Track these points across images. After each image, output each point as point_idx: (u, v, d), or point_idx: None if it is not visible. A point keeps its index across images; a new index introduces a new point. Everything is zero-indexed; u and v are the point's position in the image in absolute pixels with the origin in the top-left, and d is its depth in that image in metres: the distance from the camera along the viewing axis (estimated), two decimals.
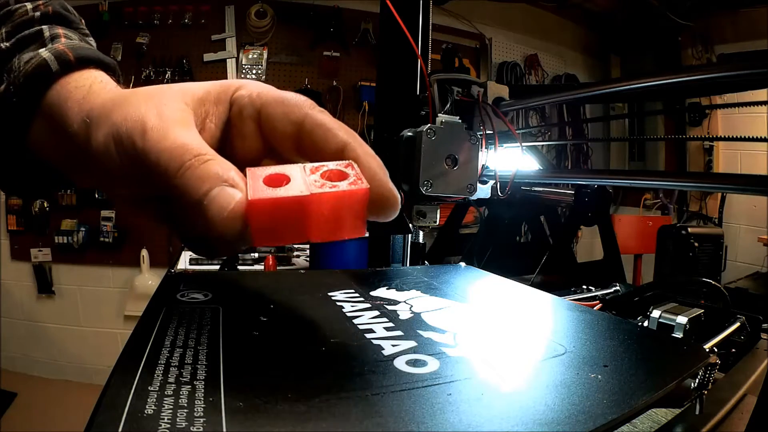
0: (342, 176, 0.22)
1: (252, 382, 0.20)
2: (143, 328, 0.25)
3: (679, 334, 0.43)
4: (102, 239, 2.24)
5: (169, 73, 2.23)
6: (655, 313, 0.45)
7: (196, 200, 0.21)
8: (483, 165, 0.55)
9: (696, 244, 1.05)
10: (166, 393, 0.19)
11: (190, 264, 1.36)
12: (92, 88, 0.26)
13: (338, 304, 0.32)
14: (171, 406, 0.18)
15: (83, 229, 2.23)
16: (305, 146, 0.26)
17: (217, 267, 1.30)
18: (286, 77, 2.39)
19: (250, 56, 2.34)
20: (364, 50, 2.46)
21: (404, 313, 0.31)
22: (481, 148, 0.53)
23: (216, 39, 2.32)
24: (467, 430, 0.18)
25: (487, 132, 0.54)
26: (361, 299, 0.33)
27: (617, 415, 0.20)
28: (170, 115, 0.24)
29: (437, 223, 0.55)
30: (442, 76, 0.56)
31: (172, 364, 0.21)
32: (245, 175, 0.22)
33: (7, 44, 0.28)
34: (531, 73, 2.92)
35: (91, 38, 0.34)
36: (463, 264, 0.50)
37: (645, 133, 3.02)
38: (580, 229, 2.15)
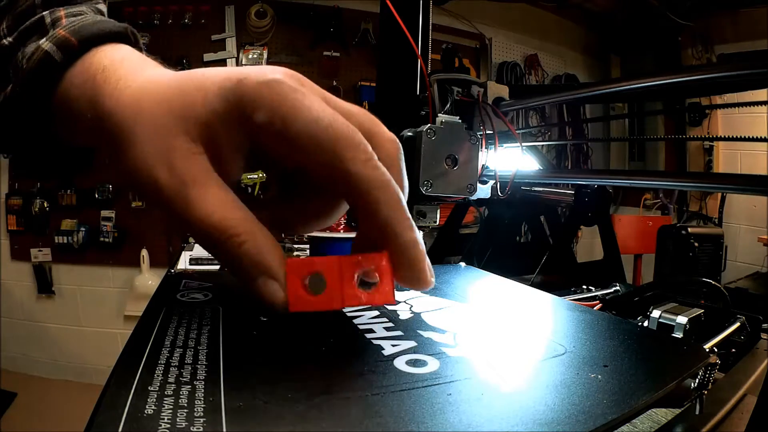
0: (373, 274, 0.23)
1: (252, 382, 0.20)
2: (143, 328, 0.25)
3: (679, 334, 0.43)
4: (102, 239, 2.24)
5: None
6: (655, 313, 0.45)
7: (241, 278, 0.22)
8: (483, 165, 0.55)
9: (696, 244, 1.05)
10: (166, 393, 0.19)
11: (190, 264, 1.36)
12: (96, 81, 0.24)
13: None
14: (171, 406, 0.18)
15: (83, 229, 2.23)
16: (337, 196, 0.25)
17: (218, 267, 1.30)
18: None
19: (250, 56, 2.34)
20: (364, 50, 2.46)
21: (404, 313, 0.31)
22: (481, 148, 0.53)
23: (216, 39, 2.32)
24: (467, 430, 0.18)
25: (487, 132, 0.54)
26: None
27: (617, 415, 0.20)
28: (182, 170, 0.21)
29: (437, 223, 0.55)
30: (442, 76, 0.56)
31: (172, 364, 0.21)
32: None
33: (10, 39, 0.27)
34: (531, 73, 2.92)
35: (103, 5, 0.32)
36: (463, 264, 0.50)
37: (645, 133, 3.02)
38: (580, 229, 2.15)
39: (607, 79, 3.07)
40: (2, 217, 2.19)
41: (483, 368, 0.24)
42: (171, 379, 0.20)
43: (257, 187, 2.22)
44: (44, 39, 0.25)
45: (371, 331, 0.28)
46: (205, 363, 0.22)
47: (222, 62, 2.32)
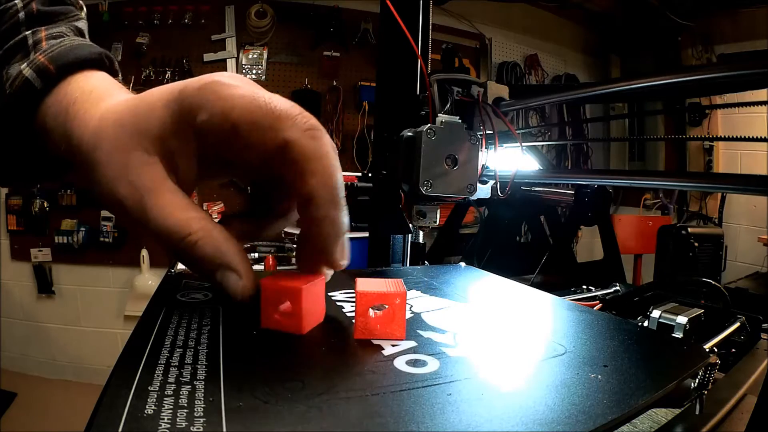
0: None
1: (252, 382, 0.20)
2: (143, 328, 0.25)
3: (679, 334, 0.43)
4: (102, 239, 2.24)
5: (169, 73, 2.23)
6: (655, 313, 0.45)
7: (202, 274, 0.25)
8: (483, 165, 0.55)
9: (696, 244, 1.05)
10: (166, 393, 0.19)
11: None
12: (68, 112, 0.26)
13: (338, 304, 0.32)
14: (171, 406, 0.18)
15: (83, 229, 2.23)
16: (273, 170, 0.25)
17: None
18: (286, 77, 2.39)
19: (250, 56, 2.34)
20: (364, 50, 2.46)
21: None
22: (481, 148, 0.53)
23: (216, 39, 2.32)
24: (467, 430, 0.18)
25: (487, 132, 0.54)
26: None
27: (617, 415, 0.20)
28: (138, 181, 0.23)
29: (437, 223, 0.55)
30: (442, 76, 0.56)
31: (172, 364, 0.21)
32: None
33: None
34: (531, 73, 2.92)
35: (83, 19, 0.33)
36: (463, 264, 0.50)
37: (645, 133, 3.02)
38: (580, 229, 2.15)
39: (607, 79, 3.07)
40: (2, 217, 2.19)
41: (483, 368, 0.24)
42: (171, 379, 0.20)
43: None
44: (25, 64, 0.27)
45: None
46: (205, 363, 0.22)
47: (222, 62, 2.32)
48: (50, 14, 0.31)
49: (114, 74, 0.30)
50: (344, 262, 0.26)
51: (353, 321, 0.26)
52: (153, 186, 0.24)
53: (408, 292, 0.36)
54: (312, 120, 0.24)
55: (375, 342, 0.26)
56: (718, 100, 2.34)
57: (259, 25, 2.33)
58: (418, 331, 0.28)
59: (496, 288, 0.43)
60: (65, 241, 2.20)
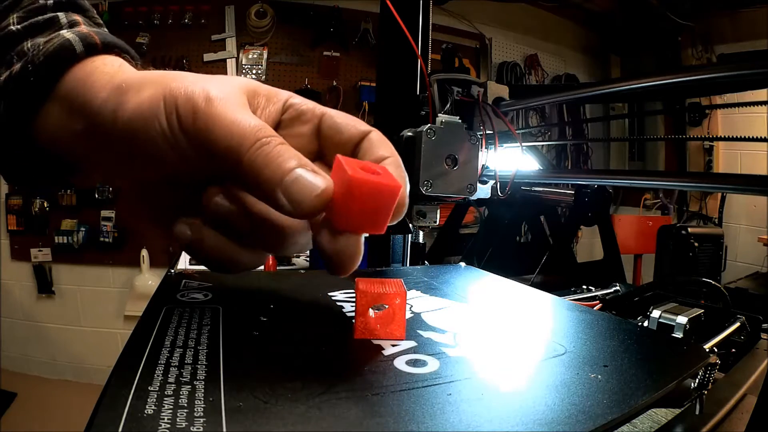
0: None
1: (252, 382, 0.20)
2: (143, 328, 0.25)
3: (679, 334, 0.43)
4: (102, 239, 2.24)
5: None
6: (655, 313, 0.45)
7: (276, 178, 0.21)
8: (483, 165, 0.55)
9: (696, 244, 1.06)
10: (166, 393, 0.19)
11: (190, 264, 1.36)
12: (123, 67, 0.26)
13: (338, 304, 0.32)
14: (171, 406, 0.18)
15: (83, 229, 2.23)
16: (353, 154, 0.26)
17: None
18: (286, 77, 2.39)
19: (250, 56, 2.34)
20: (364, 50, 2.46)
21: None
22: (481, 148, 0.53)
23: (216, 39, 2.32)
24: (467, 430, 0.18)
25: (487, 132, 0.54)
26: None
27: (617, 415, 0.20)
28: (232, 94, 0.23)
29: (437, 223, 0.55)
30: (442, 76, 0.56)
31: (172, 364, 0.21)
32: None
33: (18, 27, 0.27)
34: (531, 73, 2.92)
35: (105, 28, 0.33)
36: (463, 264, 0.50)
37: (645, 133, 3.02)
38: (580, 229, 2.15)
39: (607, 79, 3.07)
40: (2, 217, 2.19)
41: (483, 368, 0.24)
42: (171, 379, 0.20)
43: None
44: (65, 30, 0.26)
45: None
46: (205, 363, 0.22)
47: (222, 62, 2.32)
48: (79, 6, 0.31)
49: None
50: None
51: (353, 321, 0.26)
52: (243, 102, 0.24)
53: (408, 292, 0.36)
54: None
55: (375, 342, 0.26)
56: (718, 100, 2.34)
57: (259, 25, 2.33)
58: (418, 331, 0.28)
59: (496, 288, 0.43)
60: (65, 241, 2.20)
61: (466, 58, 2.77)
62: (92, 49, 0.26)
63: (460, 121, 0.51)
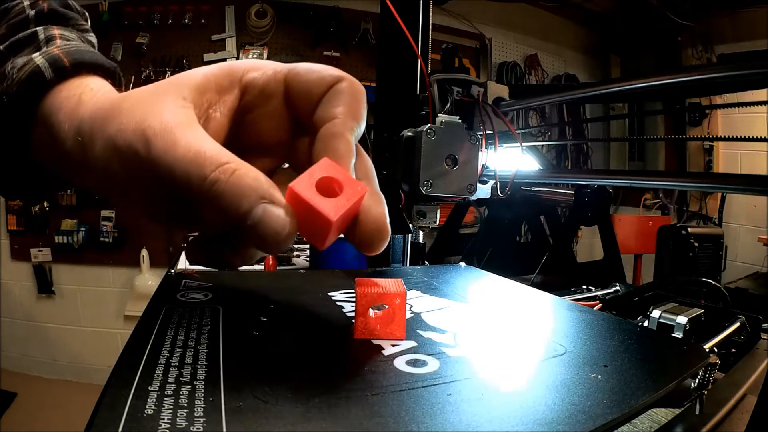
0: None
1: (252, 382, 0.20)
2: (143, 328, 0.25)
3: (679, 334, 0.43)
4: (102, 239, 2.24)
5: (169, 73, 2.23)
6: (655, 313, 0.45)
7: (238, 217, 0.21)
8: (483, 165, 0.55)
9: (696, 244, 1.06)
10: (166, 393, 0.19)
11: (190, 264, 1.36)
12: (82, 98, 0.25)
13: (338, 304, 0.32)
14: (171, 406, 0.18)
15: (83, 229, 2.23)
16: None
17: None
18: None
19: (250, 56, 2.34)
20: (364, 50, 2.46)
21: None
22: (481, 148, 0.53)
23: (216, 39, 2.32)
24: (467, 430, 0.18)
25: (487, 132, 0.54)
26: None
27: (617, 415, 0.20)
28: (170, 117, 0.22)
29: (437, 223, 0.55)
30: (442, 76, 0.56)
31: (172, 364, 0.21)
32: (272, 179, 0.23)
33: (1, 48, 0.27)
34: (531, 73, 2.92)
35: (92, 34, 0.33)
36: (463, 264, 0.50)
37: (645, 133, 3.02)
38: (580, 229, 2.15)
39: (607, 79, 3.07)
40: (2, 217, 2.19)
41: (483, 368, 0.24)
42: (171, 379, 0.20)
43: None
44: (37, 54, 0.26)
45: None
46: (205, 363, 0.22)
47: (222, 62, 2.32)
48: (62, 15, 0.31)
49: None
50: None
51: (353, 321, 0.26)
52: (186, 121, 0.22)
53: (408, 292, 0.36)
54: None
55: (375, 342, 0.26)
56: (718, 100, 2.34)
57: (259, 25, 2.33)
58: (418, 331, 0.28)
59: (496, 288, 0.43)
60: (65, 241, 2.21)
61: (466, 58, 2.77)
62: (61, 73, 0.26)
63: (460, 121, 0.51)
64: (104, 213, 2.25)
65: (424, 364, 0.24)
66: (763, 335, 0.50)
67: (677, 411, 0.30)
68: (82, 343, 2.26)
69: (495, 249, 1.18)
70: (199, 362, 0.22)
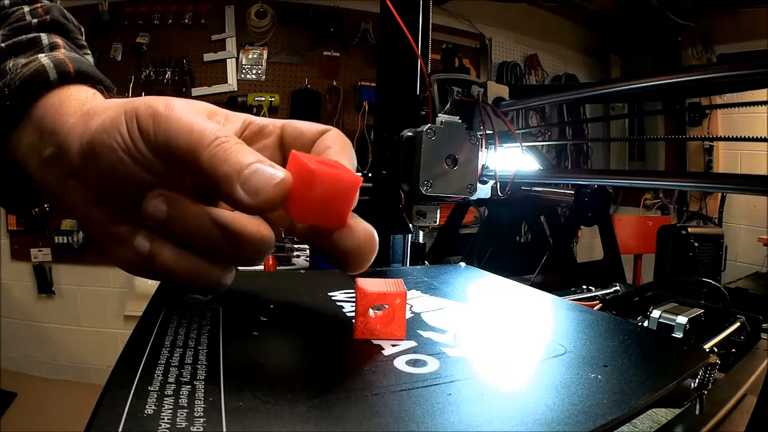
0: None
1: (252, 382, 0.20)
2: (143, 328, 0.25)
3: (679, 334, 0.43)
4: None
5: (169, 73, 2.23)
6: (655, 313, 0.45)
7: (235, 173, 0.21)
8: (483, 165, 0.55)
9: (696, 244, 1.06)
10: (166, 393, 0.19)
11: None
12: (95, 97, 0.26)
13: (338, 304, 0.32)
14: (171, 406, 0.18)
15: None
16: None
17: None
18: (286, 77, 2.39)
19: (250, 56, 2.34)
20: (364, 50, 2.46)
21: None
22: (481, 148, 0.53)
23: (216, 39, 2.32)
24: (467, 430, 0.18)
25: (487, 132, 0.54)
26: None
27: (617, 415, 0.20)
28: (191, 105, 0.24)
29: (437, 223, 0.55)
30: (442, 76, 0.56)
31: (172, 364, 0.21)
32: None
33: (2, 46, 0.28)
34: (531, 73, 2.92)
35: (88, 50, 0.33)
36: (463, 264, 0.50)
37: (645, 133, 3.02)
38: (580, 229, 2.15)
39: (607, 79, 3.07)
40: (2, 217, 2.18)
41: (483, 368, 0.24)
42: (171, 379, 0.20)
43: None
44: (42, 54, 0.27)
45: None
46: (205, 363, 0.22)
47: (222, 62, 2.32)
48: (64, 27, 0.31)
49: None
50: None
51: (353, 321, 0.26)
52: (190, 107, 0.24)
53: (408, 292, 0.36)
54: None
55: (375, 342, 0.26)
56: (718, 100, 2.34)
57: (259, 25, 2.32)
58: (418, 331, 0.28)
59: (496, 288, 0.43)
60: (65, 241, 2.20)
61: (466, 58, 2.77)
62: (65, 77, 0.26)
63: (460, 121, 0.51)
64: None
65: (424, 364, 0.24)
66: (763, 335, 0.50)
67: (677, 411, 0.30)
68: (82, 343, 2.26)
69: (495, 249, 1.18)
70: (199, 362, 0.22)
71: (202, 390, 0.19)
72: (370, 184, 0.58)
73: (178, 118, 0.22)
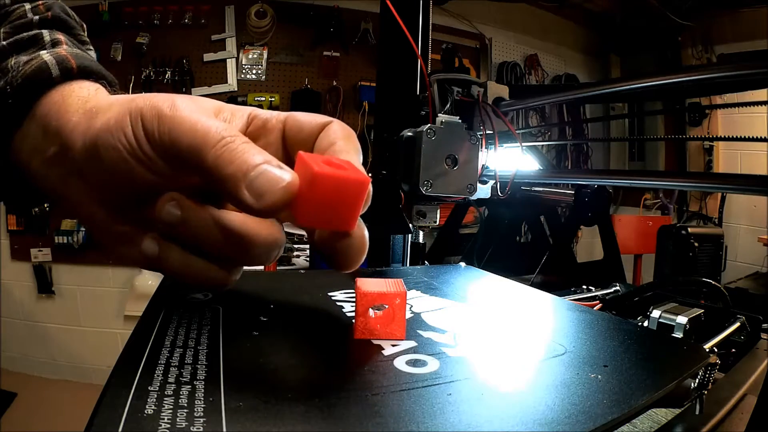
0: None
1: (252, 382, 0.20)
2: (143, 328, 0.25)
3: (679, 334, 0.43)
4: None
5: (169, 73, 2.23)
6: (655, 313, 0.45)
7: (241, 174, 0.21)
8: (483, 165, 0.55)
9: (696, 244, 1.06)
10: (166, 393, 0.19)
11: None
12: (98, 92, 0.26)
13: (338, 304, 0.32)
14: (171, 406, 0.18)
15: (83, 229, 2.22)
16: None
17: None
18: (286, 77, 2.39)
19: (250, 56, 2.34)
20: (364, 50, 2.46)
21: None
22: (481, 148, 0.53)
23: (216, 39, 2.32)
24: (467, 430, 0.18)
25: (487, 132, 0.54)
26: None
27: (617, 415, 0.20)
28: (197, 104, 0.24)
29: (437, 223, 0.55)
30: (442, 76, 0.56)
31: (172, 364, 0.21)
32: None
33: (4, 43, 0.27)
34: (531, 73, 2.92)
35: (90, 46, 0.33)
36: (463, 264, 0.50)
37: (645, 133, 3.02)
38: (580, 229, 2.15)
39: (607, 79, 3.07)
40: (2, 217, 2.18)
41: (483, 368, 0.24)
42: (171, 379, 0.20)
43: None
44: (44, 51, 0.26)
45: None
46: (205, 363, 0.22)
47: (222, 62, 2.32)
48: (66, 23, 0.31)
49: None
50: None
51: (353, 321, 0.26)
52: (195, 105, 0.24)
53: (408, 292, 0.36)
54: None
55: (375, 342, 0.26)
56: (718, 100, 2.34)
57: (259, 25, 2.32)
58: (418, 331, 0.28)
59: (496, 288, 0.43)
60: (65, 241, 2.20)
61: (466, 58, 2.77)
62: (68, 73, 0.26)
63: (460, 121, 0.51)
64: None
65: (424, 364, 0.24)
66: (763, 335, 0.50)
67: (677, 411, 0.30)
68: (82, 343, 2.26)
69: (495, 249, 1.18)
70: (199, 362, 0.22)
71: (202, 390, 0.19)
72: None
73: (182, 118, 0.22)
